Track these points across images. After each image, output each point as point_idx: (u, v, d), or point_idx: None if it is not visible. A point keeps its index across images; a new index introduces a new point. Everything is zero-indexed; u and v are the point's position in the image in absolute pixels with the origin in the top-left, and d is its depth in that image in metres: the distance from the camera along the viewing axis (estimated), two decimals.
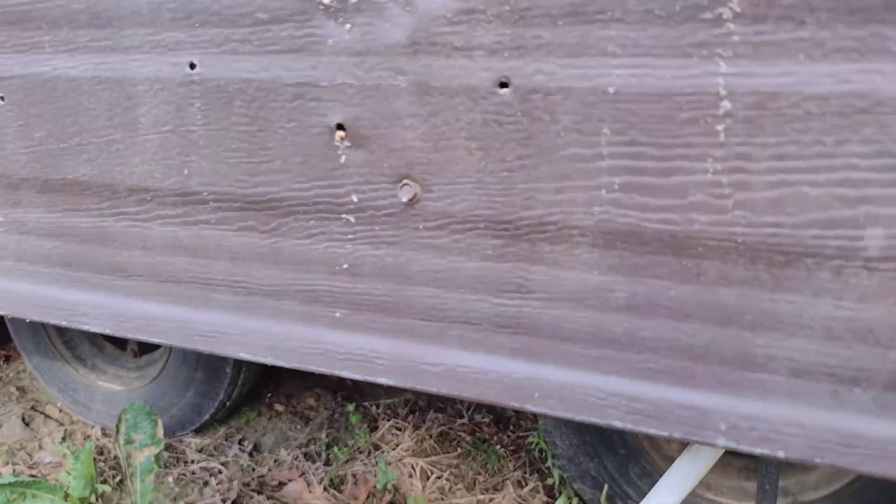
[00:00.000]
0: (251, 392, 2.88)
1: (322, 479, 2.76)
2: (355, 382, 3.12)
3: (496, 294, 0.76)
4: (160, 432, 2.34)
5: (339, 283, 0.81)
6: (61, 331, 2.66)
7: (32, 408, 3.21)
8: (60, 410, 3.15)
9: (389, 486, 2.63)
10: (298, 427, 3.03)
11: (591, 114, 0.66)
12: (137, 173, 0.85)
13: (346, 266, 0.81)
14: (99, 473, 2.64)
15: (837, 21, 0.56)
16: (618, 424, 0.74)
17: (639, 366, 0.72)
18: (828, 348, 0.66)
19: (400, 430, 2.87)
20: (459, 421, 2.94)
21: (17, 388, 3.40)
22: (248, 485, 2.69)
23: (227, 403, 2.61)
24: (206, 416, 2.88)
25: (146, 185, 0.86)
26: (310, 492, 2.72)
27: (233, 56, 0.77)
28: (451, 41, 0.68)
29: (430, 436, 2.82)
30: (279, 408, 3.05)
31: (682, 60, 0.61)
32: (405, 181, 0.75)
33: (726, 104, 0.61)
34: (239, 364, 2.40)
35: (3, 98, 0.90)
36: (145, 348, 2.71)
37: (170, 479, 2.77)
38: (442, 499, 2.63)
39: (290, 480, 2.79)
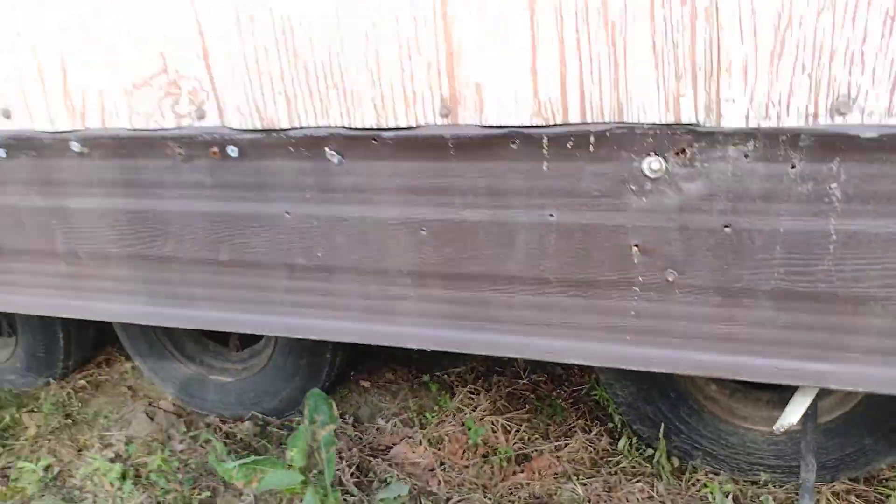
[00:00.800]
0: (342, 373, 3.28)
1: (421, 441, 3.13)
2: (421, 354, 3.50)
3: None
4: (335, 412, 2.79)
5: (630, 321, 1.59)
6: (169, 332, 3.07)
7: (150, 404, 3.64)
8: (173, 404, 3.57)
9: (479, 441, 3.01)
10: (387, 398, 3.42)
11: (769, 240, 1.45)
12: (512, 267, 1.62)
13: (633, 313, 1.59)
14: (240, 451, 3.15)
15: None
16: (784, 382, 1.53)
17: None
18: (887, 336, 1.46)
19: (474, 394, 3.25)
20: (521, 382, 3.39)
21: (128, 388, 3.92)
22: (362, 451, 3.08)
23: (327, 384, 2.99)
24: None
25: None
26: (413, 452, 3.14)
27: (577, 211, 1.53)
28: (700, 206, 1.46)
29: (501, 397, 3.22)
30: (365, 384, 3.50)
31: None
32: (669, 269, 1.53)
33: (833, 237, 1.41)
34: (335, 349, 2.82)
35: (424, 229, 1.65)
36: (247, 342, 3.15)
37: None
38: (524, 448, 3.00)
39: (394, 444, 3.15)
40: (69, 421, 3.62)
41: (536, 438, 3.04)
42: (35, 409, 3.67)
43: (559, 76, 1.40)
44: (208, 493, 2.99)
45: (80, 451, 3.37)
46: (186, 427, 3.44)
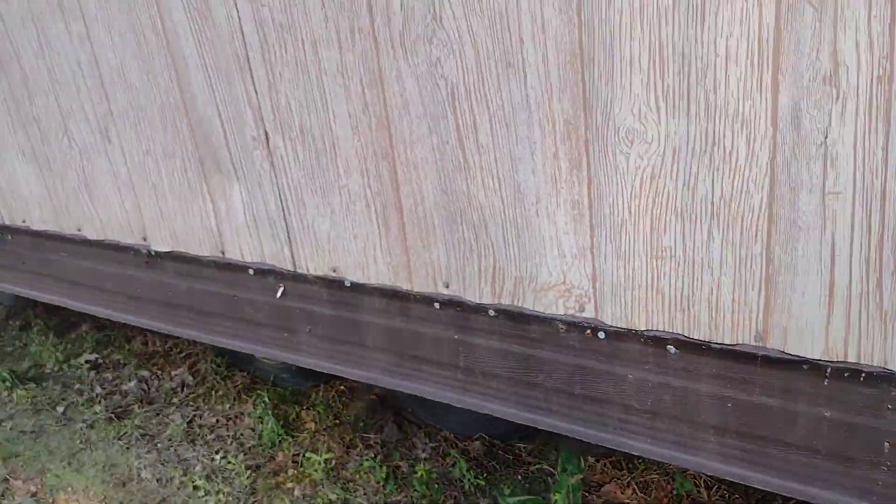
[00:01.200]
0: None
1: (629, 483, 3.58)
2: None
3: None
4: (582, 464, 3.59)
5: (877, 488, 2.30)
6: None
7: (395, 413, 4.35)
8: (414, 415, 4.23)
9: (684, 493, 3.40)
10: None
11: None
12: None
13: (879, 483, 2.29)
14: (474, 468, 3.84)
15: None
16: None
17: None
18: None
19: None
20: None
21: (375, 395, 4.58)
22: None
23: None
24: (531, 427, 3.78)
25: None
26: (622, 493, 3.63)
27: (845, 413, 2.26)
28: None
29: None
30: None
31: None
32: None
33: None
34: None
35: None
36: None
37: (518, 476, 4.03)
38: None
39: (605, 483, 3.64)
40: (337, 421, 4.37)
41: (736, 497, 3.42)
42: (310, 408, 4.52)
43: (843, 335, 2.15)
44: (451, 502, 3.70)
45: (347, 449, 4.13)
46: (427, 438, 4.12)
